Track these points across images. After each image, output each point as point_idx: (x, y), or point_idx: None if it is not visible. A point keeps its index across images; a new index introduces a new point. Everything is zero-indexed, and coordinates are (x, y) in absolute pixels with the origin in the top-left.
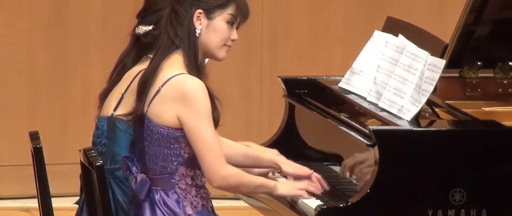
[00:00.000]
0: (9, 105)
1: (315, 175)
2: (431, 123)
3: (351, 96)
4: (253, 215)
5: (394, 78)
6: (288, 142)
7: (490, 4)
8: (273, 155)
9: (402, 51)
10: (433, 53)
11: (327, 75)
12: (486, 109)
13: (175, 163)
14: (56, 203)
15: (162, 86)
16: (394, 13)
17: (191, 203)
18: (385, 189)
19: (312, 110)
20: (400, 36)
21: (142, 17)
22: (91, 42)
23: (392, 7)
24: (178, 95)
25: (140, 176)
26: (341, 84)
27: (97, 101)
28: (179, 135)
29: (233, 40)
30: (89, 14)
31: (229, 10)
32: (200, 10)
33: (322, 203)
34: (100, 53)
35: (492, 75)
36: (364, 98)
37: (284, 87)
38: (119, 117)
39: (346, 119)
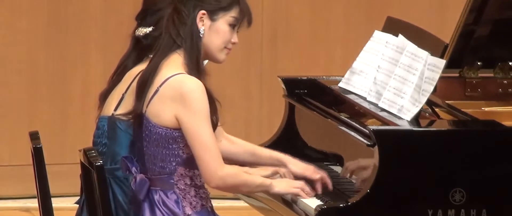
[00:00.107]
0: (9, 105)
1: (322, 175)
2: (431, 123)
3: (351, 96)
4: (253, 215)
5: (394, 78)
6: (288, 142)
7: (490, 4)
8: (278, 153)
9: (402, 51)
10: (433, 53)
11: (327, 75)
12: (486, 109)
13: (174, 164)
14: (56, 203)
15: (160, 86)
16: (394, 13)
17: (190, 203)
18: (385, 189)
19: (312, 110)
20: (400, 36)
21: (141, 19)
22: (91, 42)
23: (392, 7)
24: (177, 94)
25: (139, 176)
26: (341, 84)
27: (97, 101)
28: (177, 135)
29: (233, 43)
30: (89, 14)
31: (233, 13)
32: (203, 11)
33: (322, 203)
34: (100, 53)
35: (492, 75)
36: (364, 98)
37: (284, 87)
38: (119, 116)
39: (346, 119)
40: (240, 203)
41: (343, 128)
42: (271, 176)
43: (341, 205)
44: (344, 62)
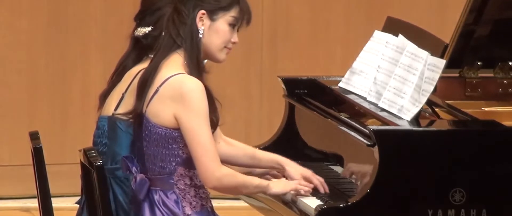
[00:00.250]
0: (9, 105)
1: (318, 178)
2: (431, 123)
3: (351, 96)
4: (253, 215)
5: (394, 78)
6: (288, 142)
7: (490, 4)
8: (277, 156)
9: (402, 51)
10: (433, 53)
11: (327, 75)
12: (486, 109)
13: (174, 164)
14: (56, 203)
15: (160, 86)
16: (394, 13)
17: (190, 203)
18: (385, 189)
19: (312, 110)
20: (400, 36)
21: (140, 19)
22: (91, 42)
23: (392, 7)
24: (176, 94)
25: (139, 176)
26: (341, 84)
27: (97, 102)
28: (177, 135)
29: (233, 43)
30: (89, 14)
31: (232, 13)
32: (203, 11)
33: (322, 203)
34: (100, 53)
35: (492, 75)
36: (364, 98)
37: (284, 87)
38: (120, 116)
39: (346, 119)
40: (240, 203)
41: (343, 128)
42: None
43: (341, 205)
44: (344, 62)
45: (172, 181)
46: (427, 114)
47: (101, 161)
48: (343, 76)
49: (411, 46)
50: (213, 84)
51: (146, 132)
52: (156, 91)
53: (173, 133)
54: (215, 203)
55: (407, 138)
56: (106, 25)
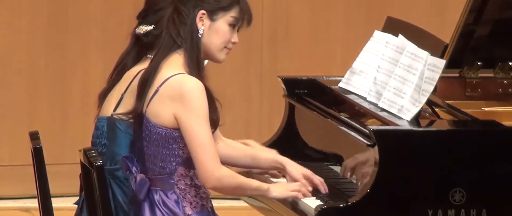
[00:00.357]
0: (9, 105)
1: (318, 178)
2: (431, 123)
3: (351, 96)
4: (253, 215)
5: (394, 78)
6: (288, 142)
7: (490, 4)
8: (275, 155)
9: (402, 51)
10: (433, 53)
11: (327, 75)
12: (486, 109)
13: (174, 164)
14: (56, 203)
15: (160, 86)
16: (394, 13)
17: (191, 203)
18: (385, 189)
19: (312, 110)
20: (400, 36)
21: (143, 18)
22: (91, 42)
23: (392, 7)
24: (176, 94)
25: (139, 176)
26: (341, 84)
27: (97, 101)
28: (177, 136)
29: (233, 43)
30: (89, 14)
31: (232, 13)
32: (203, 11)
33: (322, 203)
34: (100, 53)
35: (492, 75)
36: (364, 98)
37: (284, 87)
38: (119, 116)
39: (346, 119)
40: (240, 203)
41: (343, 128)
42: (268, 177)
43: (341, 205)
44: (344, 62)
45: (172, 181)
46: (427, 114)
47: (101, 161)
48: (343, 76)
49: (411, 46)
50: (213, 84)
51: (146, 132)
52: (156, 91)
53: (173, 133)
54: (215, 203)
55: (407, 138)
56: (106, 25)
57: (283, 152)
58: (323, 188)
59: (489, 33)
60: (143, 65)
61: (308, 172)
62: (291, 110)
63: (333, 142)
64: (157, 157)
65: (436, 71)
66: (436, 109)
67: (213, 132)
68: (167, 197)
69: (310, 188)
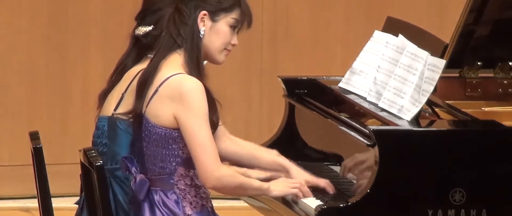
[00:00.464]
0: (9, 105)
1: (323, 181)
2: (431, 123)
3: (351, 96)
4: (253, 215)
5: (394, 78)
6: (288, 142)
7: (490, 4)
8: (279, 158)
9: (402, 51)
10: (433, 53)
11: (327, 75)
12: (486, 109)
13: (174, 164)
14: (56, 203)
15: (159, 86)
16: (394, 13)
17: (191, 203)
18: (385, 189)
19: (312, 110)
20: (400, 36)
21: (141, 19)
22: (91, 42)
23: (392, 7)
24: (176, 94)
25: (139, 177)
26: (341, 84)
27: (97, 101)
28: (176, 136)
29: (233, 45)
30: (89, 14)
31: (234, 15)
32: (204, 12)
33: (322, 203)
34: (100, 53)
35: (492, 75)
36: (364, 98)
37: (284, 87)
38: (119, 116)
39: (346, 119)
40: (240, 203)
41: (343, 128)
42: (267, 179)
43: (341, 205)
44: (344, 62)
45: (172, 181)
46: (427, 114)
47: (101, 161)
48: (343, 76)
49: (411, 46)
50: (213, 84)
51: (146, 132)
52: (156, 91)
53: (173, 133)
54: (215, 203)
55: (407, 138)
56: (106, 25)
57: (283, 152)
58: (331, 189)
59: (489, 33)
60: (144, 65)
61: (312, 179)
62: (291, 110)
63: (333, 142)
64: (156, 157)
65: (436, 71)
66: (436, 109)
67: (213, 133)
68: (167, 197)
69: (311, 196)
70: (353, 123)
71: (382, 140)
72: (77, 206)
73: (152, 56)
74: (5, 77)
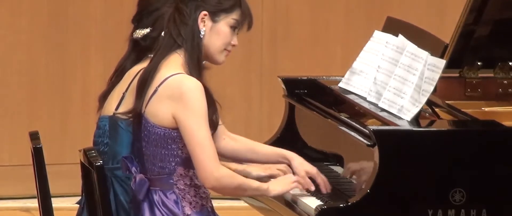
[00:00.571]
0: (9, 105)
1: (322, 177)
2: (431, 123)
3: (351, 96)
4: (253, 215)
5: (394, 78)
6: (288, 142)
7: (490, 4)
8: (283, 150)
9: (402, 51)
10: (433, 53)
11: (327, 75)
12: (486, 109)
13: (173, 164)
14: (56, 203)
15: (159, 86)
16: (394, 13)
17: (190, 203)
18: (385, 189)
19: (312, 110)
20: (400, 36)
21: (138, 21)
22: (91, 42)
23: (392, 7)
24: (175, 94)
25: (139, 177)
26: (341, 84)
27: (97, 104)
28: (176, 136)
29: (233, 46)
30: (89, 14)
31: (234, 15)
32: (205, 12)
33: (322, 203)
34: (100, 53)
35: (492, 75)
36: (364, 98)
37: (284, 87)
38: (120, 115)
39: (346, 119)
40: (240, 203)
41: (343, 128)
42: (268, 179)
43: (341, 205)
44: (344, 62)
45: (171, 181)
46: (427, 114)
47: (101, 161)
48: (343, 76)
49: (411, 46)
50: (213, 84)
51: (145, 132)
52: (155, 91)
53: (172, 133)
54: (215, 203)
55: (407, 138)
56: (106, 25)
57: None
58: (325, 189)
59: (489, 33)
60: (144, 64)
61: (313, 170)
62: (291, 110)
63: (333, 142)
64: (156, 157)
65: (436, 71)
66: (436, 109)
67: (212, 133)
68: (167, 197)
69: (312, 188)
70: (353, 123)
71: (382, 140)
72: (78, 206)
73: (151, 56)
74: (5, 77)
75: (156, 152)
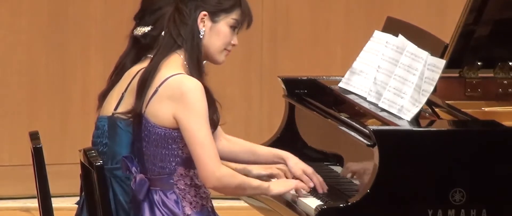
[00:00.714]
0: (9, 105)
1: (318, 177)
2: (431, 123)
3: (351, 96)
4: (253, 215)
5: (394, 78)
6: (288, 142)
7: (490, 4)
8: (279, 150)
9: (402, 51)
10: (433, 53)
11: (327, 75)
12: (486, 109)
13: (173, 164)
14: (56, 203)
15: (159, 86)
16: (394, 13)
17: (190, 203)
18: (385, 189)
19: (312, 110)
20: (400, 36)
21: (140, 18)
22: (91, 42)
23: (392, 7)
24: (175, 94)
25: (139, 177)
26: (341, 84)
27: (97, 102)
28: (176, 136)
29: (233, 45)
30: (89, 14)
31: (234, 15)
32: (204, 12)
33: (322, 203)
34: (100, 53)
35: (492, 75)
36: (364, 98)
37: (284, 87)
38: (119, 115)
39: (346, 119)
40: (240, 203)
41: (343, 128)
42: (268, 178)
43: (341, 205)
44: (344, 62)
45: (172, 181)
46: (427, 114)
47: (101, 161)
48: (343, 76)
49: (411, 46)
50: (213, 84)
51: (146, 132)
52: (156, 91)
53: (173, 133)
54: (215, 203)
55: (407, 138)
56: (106, 25)
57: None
58: (321, 188)
59: (489, 33)
60: (143, 64)
61: (309, 169)
62: (291, 110)
63: (333, 142)
64: (156, 157)
65: (436, 71)
66: (436, 109)
67: (212, 133)
68: (167, 197)
69: (311, 184)
70: (353, 123)
71: (382, 140)
72: (77, 206)
73: (151, 56)
74: (5, 77)
75: (157, 152)
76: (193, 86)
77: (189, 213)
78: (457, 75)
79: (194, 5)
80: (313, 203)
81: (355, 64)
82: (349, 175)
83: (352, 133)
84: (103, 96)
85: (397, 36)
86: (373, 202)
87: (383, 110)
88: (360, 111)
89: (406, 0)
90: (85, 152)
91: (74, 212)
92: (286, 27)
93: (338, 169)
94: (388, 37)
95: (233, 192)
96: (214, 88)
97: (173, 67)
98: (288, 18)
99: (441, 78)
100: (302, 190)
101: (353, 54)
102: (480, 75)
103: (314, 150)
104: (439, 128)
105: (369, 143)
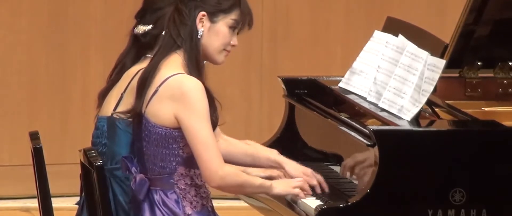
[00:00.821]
0: (9, 105)
1: (318, 178)
2: (431, 123)
3: (351, 96)
4: (253, 215)
5: (394, 78)
6: (288, 142)
7: (490, 4)
8: (275, 155)
9: (402, 51)
10: (433, 53)
11: (327, 75)
12: (486, 109)
13: (174, 163)
14: (56, 203)
15: (159, 86)
16: (394, 13)
17: (191, 203)
18: (385, 189)
19: (312, 110)
20: (400, 36)
21: (141, 17)
22: (91, 42)
23: (392, 7)
24: (176, 94)
25: (139, 176)
26: (341, 84)
27: (97, 101)
28: (177, 135)
29: (233, 46)
30: (89, 14)
31: (233, 16)
32: (203, 13)
33: (322, 203)
34: (100, 53)
35: (492, 75)
36: (364, 98)
37: (284, 87)
38: (119, 115)
39: (346, 119)
40: (240, 203)
41: (343, 128)
42: (267, 178)
43: (341, 205)
44: (344, 62)
45: (172, 181)
46: (427, 114)
47: (101, 161)
48: (343, 76)
49: (411, 46)
50: (213, 84)
51: (146, 132)
52: (156, 91)
53: (173, 132)
54: (215, 203)
55: (407, 138)
56: (106, 25)
57: (283, 152)
58: (320, 189)
59: (489, 33)
60: (143, 65)
61: (308, 171)
62: (291, 110)
63: (333, 142)
64: (157, 157)
65: (436, 71)
66: (436, 109)
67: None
68: (167, 197)
69: (314, 181)
70: (353, 123)
71: (382, 140)
72: (77, 206)
73: (151, 56)
74: (5, 77)
75: (157, 152)
76: (194, 86)
77: (189, 212)
78: (457, 75)
79: (193, 5)
80: (313, 203)
81: (355, 64)
82: (348, 174)
83: (352, 133)
84: (102, 95)
85: (397, 36)
86: (373, 202)
87: (383, 110)
88: (360, 111)
89: (406, 0)
90: (85, 152)
91: (74, 212)
92: (286, 27)
93: (338, 169)
94: (388, 37)
95: (236, 191)
96: (214, 88)
97: (173, 67)
98: (288, 18)
99: (441, 78)
100: (302, 194)
101: (353, 54)
102: (480, 75)
103: (314, 150)
104: (439, 128)
105: (369, 143)
